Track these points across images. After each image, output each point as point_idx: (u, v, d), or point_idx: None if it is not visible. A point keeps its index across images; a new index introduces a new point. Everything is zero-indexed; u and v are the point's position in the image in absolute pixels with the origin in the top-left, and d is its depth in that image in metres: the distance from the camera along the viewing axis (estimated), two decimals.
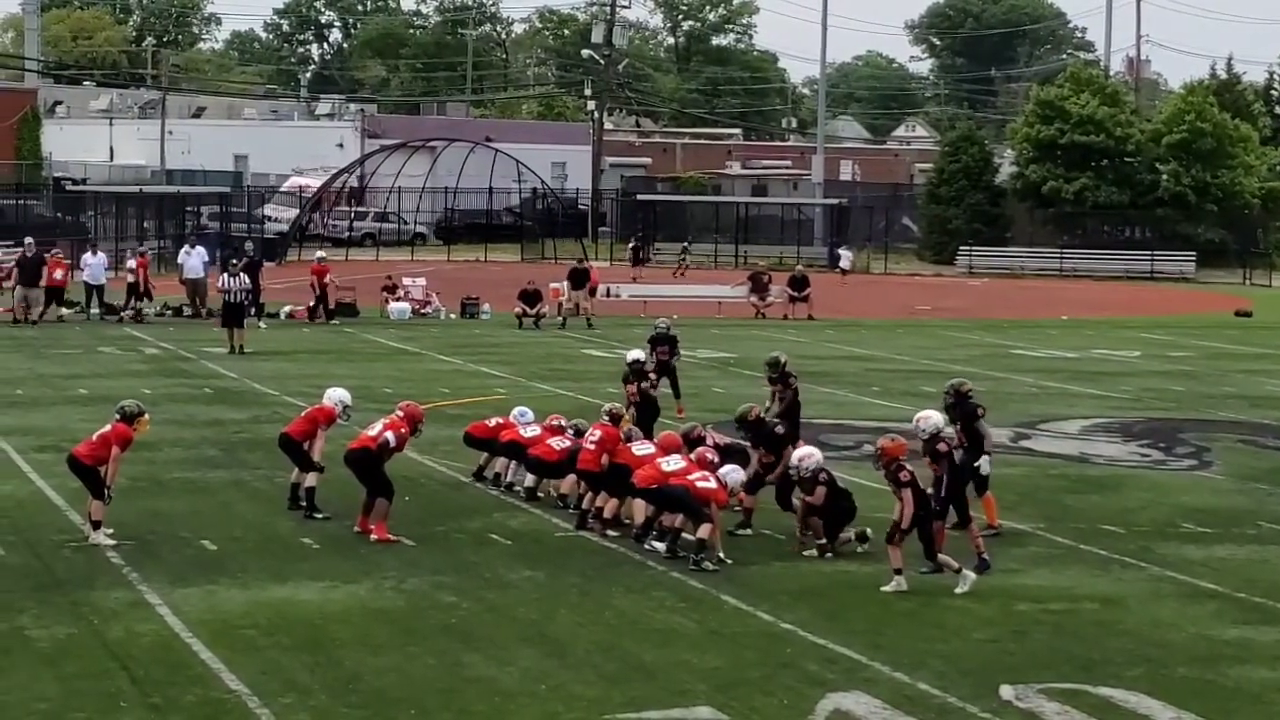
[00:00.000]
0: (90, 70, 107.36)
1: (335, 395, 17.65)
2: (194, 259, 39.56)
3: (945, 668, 12.42)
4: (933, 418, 15.79)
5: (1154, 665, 12.63)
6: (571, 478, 17.65)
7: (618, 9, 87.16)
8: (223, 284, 33.18)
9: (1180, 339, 39.90)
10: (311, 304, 38.85)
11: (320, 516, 16.88)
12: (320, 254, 42.33)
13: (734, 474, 16.25)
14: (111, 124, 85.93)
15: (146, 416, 16.24)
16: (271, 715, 11.09)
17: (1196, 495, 19.67)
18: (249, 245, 41.73)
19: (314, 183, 68.28)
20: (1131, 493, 19.70)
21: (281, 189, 69.90)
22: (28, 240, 38.74)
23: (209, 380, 28.05)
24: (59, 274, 37.61)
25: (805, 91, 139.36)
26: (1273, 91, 79.11)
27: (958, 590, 14.43)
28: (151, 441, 21.43)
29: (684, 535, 15.69)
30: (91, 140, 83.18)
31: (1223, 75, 74.99)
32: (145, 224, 53.67)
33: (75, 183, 66.11)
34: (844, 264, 60.63)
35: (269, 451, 20.83)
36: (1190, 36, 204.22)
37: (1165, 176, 65.95)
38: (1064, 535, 17.15)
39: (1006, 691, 11.89)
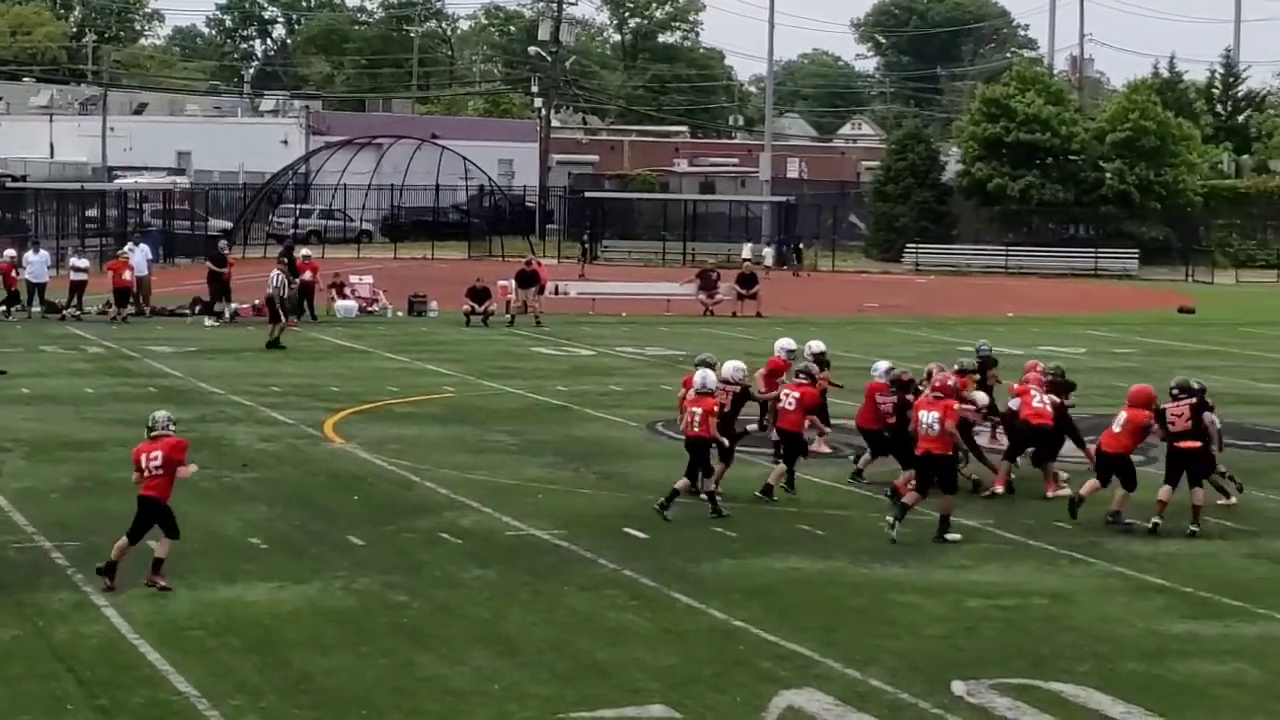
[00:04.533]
0: (30, 66, 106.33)
1: (781, 344, 21.12)
2: (137, 256, 39.22)
3: (897, 664, 12.43)
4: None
5: (1103, 660, 12.68)
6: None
7: (564, 6, 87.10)
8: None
9: (1125, 335, 40.15)
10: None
11: (751, 429, 19.57)
12: (305, 251, 41.73)
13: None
14: (52, 120, 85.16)
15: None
16: (221, 717, 10.98)
17: (1144, 491, 19.71)
18: (222, 244, 41.32)
19: (141, 182, 65.99)
20: (1079, 488, 19.71)
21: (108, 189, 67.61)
22: None
23: (154, 379, 27.81)
24: (126, 275, 37.70)
25: (752, 89, 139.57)
26: (1214, 90, 79.85)
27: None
28: (96, 441, 21.28)
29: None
30: (31, 137, 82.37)
31: (1165, 74, 75.65)
32: (87, 223, 53.22)
33: (15, 180, 65.39)
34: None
35: (215, 451, 20.70)
36: (1133, 35, 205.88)
37: (1109, 174, 66.38)
38: (1013, 531, 17.21)
39: (958, 687, 11.90)
